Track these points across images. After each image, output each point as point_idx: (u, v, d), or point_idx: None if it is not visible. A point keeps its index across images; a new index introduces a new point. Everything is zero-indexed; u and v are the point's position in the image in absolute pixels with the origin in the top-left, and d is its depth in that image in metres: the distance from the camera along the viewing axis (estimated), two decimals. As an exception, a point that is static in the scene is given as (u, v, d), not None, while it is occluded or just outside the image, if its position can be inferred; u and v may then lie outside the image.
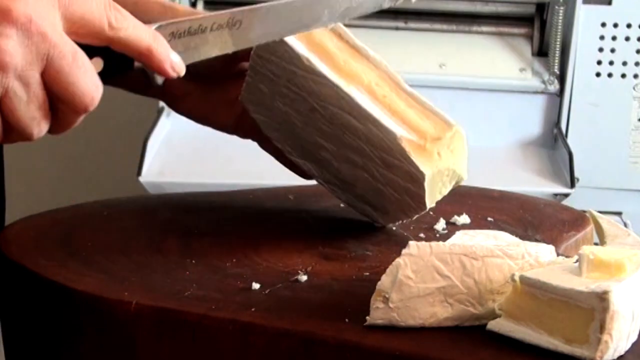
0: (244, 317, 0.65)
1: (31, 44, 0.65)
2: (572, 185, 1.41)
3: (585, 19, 1.50)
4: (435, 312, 0.64)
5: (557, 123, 1.53)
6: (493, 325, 0.63)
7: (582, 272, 0.61)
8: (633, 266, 0.61)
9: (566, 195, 1.40)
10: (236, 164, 1.36)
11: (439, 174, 0.76)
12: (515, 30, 1.58)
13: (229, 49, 0.74)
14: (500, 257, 0.64)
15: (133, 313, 0.66)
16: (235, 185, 1.07)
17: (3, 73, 0.64)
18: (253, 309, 0.66)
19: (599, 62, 1.52)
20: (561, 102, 1.52)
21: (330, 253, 0.76)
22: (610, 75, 1.53)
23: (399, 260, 0.63)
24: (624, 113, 1.53)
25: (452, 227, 0.82)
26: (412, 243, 0.63)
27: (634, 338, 0.61)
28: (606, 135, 1.53)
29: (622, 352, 0.60)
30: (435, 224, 0.82)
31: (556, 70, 1.52)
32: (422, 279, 0.63)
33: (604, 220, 0.75)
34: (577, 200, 1.34)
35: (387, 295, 0.63)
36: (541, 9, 1.56)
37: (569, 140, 1.50)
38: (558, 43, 1.51)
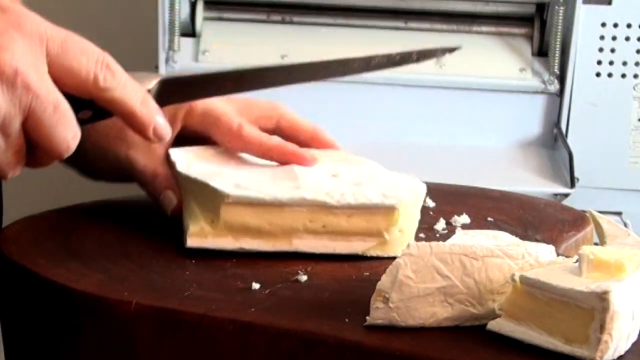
0: (244, 317, 0.65)
1: (14, 97, 0.65)
2: (572, 185, 1.41)
3: (585, 19, 1.50)
4: (435, 312, 0.64)
5: (557, 123, 1.53)
6: (493, 325, 0.63)
7: (582, 272, 0.61)
8: (633, 266, 0.61)
9: (566, 195, 1.40)
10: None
11: (410, 231, 0.77)
12: (515, 30, 1.58)
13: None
14: (500, 257, 0.64)
15: (133, 313, 0.66)
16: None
17: None
18: (253, 309, 0.66)
19: (599, 62, 1.52)
20: (561, 102, 1.52)
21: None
22: (610, 75, 1.52)
23: (399, 260, 0.63)
24: (624, 113, 1.53)
25: (452, 227, 0.82)
26: (412, 243, 0.63)
27: (634, 338, 0.61)
28: (606, 135, 1.53)
29: (622, 352, 0.60)
30: (435, 224, 0.82)
31: (556, 70, 1.52)
32: (422, 279, 0.63)
33: (604, 220, 0.75)
34: (577, 200, 1.34)
35: (387, 295, 0.63)
36: (541, 9, 1.56)
37: (569, 140, 1.50)
38: (558, 43, 1.51)
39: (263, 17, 1.59)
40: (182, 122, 0.82)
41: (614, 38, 1.52)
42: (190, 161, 0.80)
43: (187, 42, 1.54)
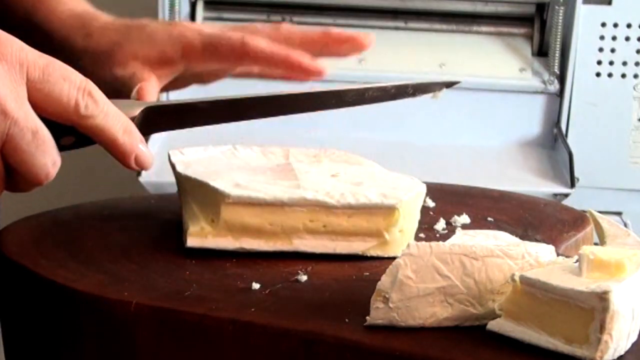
0: (244, 317, 0.65)
1: None
2: (572, 185, 1.41)
3: (585, 19, 1.50)
4: (435, 312, 0.64)
5: (557, 123, 1.53)
6: (493, 325, 0.63)
7: (582, 272, 0.61)
8: (633, 266, 0.61)
9: (566, 195, 1.40)
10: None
11: (410, 231, 0.77)
12: (515, 30, 1.58)
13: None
14: (500, 257, 0.64)
15: (133, 313, 0.66)
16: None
17: None
18: (253, 309, 0.66)
19: (599, 62, 1.52)
20: (561, 102, 1.52)
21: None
22: (610, 75, 1.52)
23: (399, 260, 0.63)
24: (624, 113, 1.53)
25: (452, 227, 0.82)
26: (412, 243, 0.63)
27: (634, 338, 0.61)
28: (606, 135, 1.53)
29: (622, 352, 0.60)
30: (435, 224, 0.82)
31: (556, 70, 1.52)
32: (422, 279, 0.63)
33: (604, 220, 0.75)
34: (577, 200, 1.34)
35: (387, 295, 0.63)
36: (541, 9, 1.56)
37: (569, 140, 1.50)
38: (558, 43, 1.51)
39: (263, 17, 1.59)
40: (184, 64, 0.82)
41: (614, 38, 1.52)
42: (190, 161, 0.81)
43: (187, 42, 1.54)
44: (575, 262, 0.63)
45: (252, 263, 0.74)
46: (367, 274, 0.72)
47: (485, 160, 1.51)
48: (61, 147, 0.69)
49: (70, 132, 0.69)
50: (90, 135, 0.69)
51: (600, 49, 1.52)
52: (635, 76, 1.52)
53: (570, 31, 1.50)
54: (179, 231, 0.78)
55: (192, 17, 1.57)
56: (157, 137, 1.44)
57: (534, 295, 0.61)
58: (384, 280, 0.63)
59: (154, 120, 0.74)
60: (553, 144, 1.54)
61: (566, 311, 0.60)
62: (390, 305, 0.63)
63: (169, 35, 0.83)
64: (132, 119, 0.72)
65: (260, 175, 0.79)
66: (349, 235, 0.75)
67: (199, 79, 0.91)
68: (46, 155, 0.67)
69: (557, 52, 1.51)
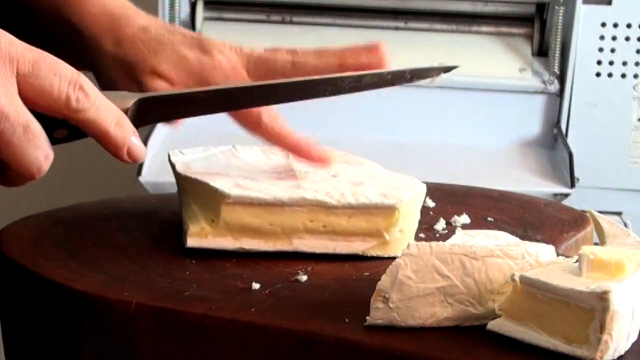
0: (244, 317, 0.65)
1: None
2: (572, 185, 1.41)
3: (585, 19, 1.50)
4: (435, 312, 0.64)
5: (557, 123, 1.53)
6: (493, 325, 0.63)
7: (582, 272, 0.61)
8: (633, 266, 0.61)
9: (566, 195, 1.40)
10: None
11: (410, 231, 0.77)
12: (515, 30, 1.59)
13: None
14: (500, 257, 0.64)
15: (133, 313, 0.66)
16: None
17: None
18: (253, 309, 0.66)
19: (599, 62, 1.52)
20: (561, 102, 1.52)
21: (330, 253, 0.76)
22: (610, 75, 1.53)
23: (399, 260, 0.63)
24: (624, 113, 1.53)
25: (452, 227, 0.82)
26: (412, 243, 0.63)
27: (634, 338, 0.61)
28: (606, 135, 1.53)
29: (622, 352, 0.60)
30: (435, 224, 0.82)
31: (556, 70, 1.52)
32: (422, 279, 0.63)
33: (604, 220, 0.75)
34: (577, 200, 1.34)
35: (387, 295, 0.63)
36: (541, 9, 1.56)
37: (569, 140, 1.50)
38: (558, 43, 1.51)
39: (263, 17, 1.59)
40: None
41: (614, 38, 1.52)
42: (190, 162, 0.81)
43: (187, 42, 1.53)
44: (575, 262, 0.63)
45: (252, 263, 0.74)
46: (367, 274, 0.72)
47: (485, 160, 1.51)
48: (55, 140, 0.69)
49: (64, 125, 0.69)
50: (82, 128, 0.69)
51: (600, 49, 1.52)
52: (635, 76, 1.52)
53: (570, 31, 1.50)
54: (179, 231, 0.78)
55: (192, 17, 1.57)
56: (157, 137, 1.44)
57: (534, 295, 0.61)
58: (384, 280, 0.63)
59: (148, 111, 0.73)
60: (553, 144, 1.54)
61: (566, 311, 0.60)
62: (390, 305, 0.63)
63: (200, 68, 0.82)
64: (126, 110, 0.71)
65: (260, 175, 0.79)
66: (349, 235, 0.75)
67: None
68: (38, 150, 0.67)
69: (557, 52, 1.51)
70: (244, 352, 0.64)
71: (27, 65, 0.66)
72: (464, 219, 0.83)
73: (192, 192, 0.77)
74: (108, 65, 0.82)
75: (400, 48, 1.58)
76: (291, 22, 1.58)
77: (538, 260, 0.65)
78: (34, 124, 0.67)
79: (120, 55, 0.82)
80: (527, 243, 0.67)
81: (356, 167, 0.83)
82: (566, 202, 1.34)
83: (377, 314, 0.63)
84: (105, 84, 0.84)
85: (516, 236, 0.71)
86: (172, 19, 1.51)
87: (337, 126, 1.52)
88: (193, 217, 0.75)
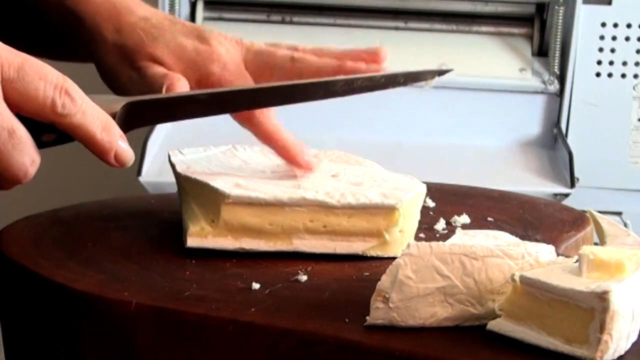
0: (244, 317, 0.65)
1: None
2: (572, 185, 1.41)
3: (585, 19, 1.50)
4: (435, 312, 0.64)
5: (557, 123, 1.53)
6: (493, 325, 0.63)
7: (582, 272, 0.61)
8: (633, 266, 0.61)
9: (566, 195, 1.40)
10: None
11: (410, 231, 0.77)
12: (515, 30, 1.59)
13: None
14: (500, 257, 0.64)
15: (133, 313, 0.66)
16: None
17: None
18: (253, 309, 0.66)
19: (599, 62, 1.52)
20: (561, 102, 1.53)
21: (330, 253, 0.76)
22: (610, 75, 1.53)
23: (399, 260, 0.63)
24: (624, 113, 1.53)
25: (452, 227, 0.82)
26: (412, 243, 0.63)
27: (634, 338, 0.61)
28: (606, 135, 1.53)
29: (622, 352, 0.60)
30: (435, 224, 0.82)
31: (556, 70, 1.52)
32: (422, 279, 0.63)
33: (604, 220, 0.75)
34: (577, 200, 1.34)
35: (387, 295, 0.63)
36: (541, 9, 1.56)
37: (569, 140, 1.50)
38: (558, 43, 1.51)
39: (263, 17, 1.59)
40: (196, 88, 0.82)
41: (614, 38, 1.52)
42: (190, 162, 0.81)
43: (187, 42, 1.54)
44: (575, 262, 0.63)
45: (252, 263, 0.74)
46: (367, 274, 0.72)
47: (485, 160, 1.51)
48: (43, 144, 0.69)
49: (52, 129, 0.69)
50: (69, 132, 0.69)
51: (600, 49, 1.52)
52: (635, 76, 1.52)
53: (570, 31, 1.50)
54: (179, 231, 0.78)
55: (192, 17, 1.57)
56: (157, 137, 1.44)
57: (534, 295, 0.61)
58: (384, 280, 0.63)
59: (137, 114, 0.73)
60: (553, 144, 1.54)
61: (566, 311, 0.60)
62: (390, 305, 0.63)
63: (197, 56, 0.82)
64: (114, 114, 0.71)
65: (260, 175, 0.79)
66: (349, 235, 0.75)
67: None
68: (24, 155, 0.67)
69: (557, 52, 1.51)
70: (244, 352, 0.64)
71: (12, 70, 0.65)
72: (464, 219, 0.83)
73: (192, 192, 0.77)
74: (108, 53, 0.82)
75: (400, 48, 1.58)
76: (291, 22, 1.58)
77: (538, 260, 0.65)
78: (20, 129, 0.66)
79: (119, 42, 0.82)
80: (527, 243, 0.67)
81: (356, 167, 0.83)
82: (566, 202, 1.34)
83: (377, 314, 0.63)
84: (105, 73, 0.84)
85: (516, 236, 0.71)
86: (172, 19, 1.51)
87: (338, 126, 1.52)
88: (193, 217, 0.75)
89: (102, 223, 0.81)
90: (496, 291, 0.64)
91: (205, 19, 1.57)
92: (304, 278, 0.71)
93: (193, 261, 0.74)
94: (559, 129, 1.52)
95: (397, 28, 1.59)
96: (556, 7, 1.50)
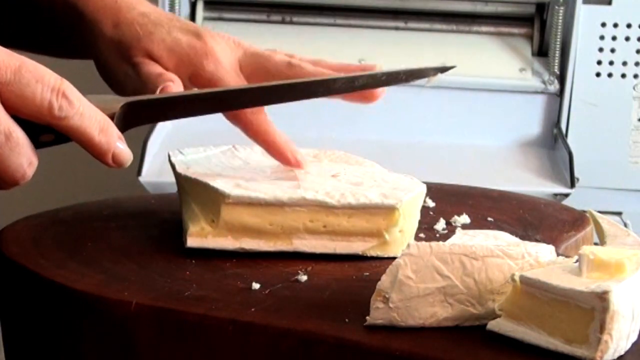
0: (244, 317, 0.65)
1: None
2: (572, 185, 1.41)
3: (585, 19, 1.50)
4: (435, 312, 0.64)
5: (557, 123, 1.53)
6: (493, 325, 0.63)
7: (582, 272, 0.61)
8: (633, 266, 0.61)
9: (566, 195, 1.40)
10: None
11: (410, 231, 0.77)
12: (515, 30, 1.59)
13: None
14: (500, 257, 0.64)
15: (133, 313, 0.66)
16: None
17: None
18: (253, 309, 0.66)
19: (599, 62, 1.52)
20: (561, 102, 1.53)
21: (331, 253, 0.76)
22: (610, 75, 1.53)
23: (399, 260, 0.63)
24: (624, 113, 1.53)
25: (452, 227, 0.82)
26: (412, 243, 0.63)
27: (634, 338, 0.61)
28: (606, 135, 1.53)
29: (622, 352, 0.60)
30: (435, 224, 0.82)
31: (556, 70, 1.52)
32: (422, 279, 0.63)
33: (604, 220, 0.75)
34: (577, 200, 1.34)
35: (387, 295, 0.63)
36: (541, 9, 1.56)
37: (569, 140, 1.50)
38: (558, 43, 1.51)
39: (263, 17, 1.59)
40: (189, 86, 0.81)
41: (614, 38, 1.52)
42: (190, 161, 0.81)
43: (187, 42, 1.54)
44: (575, 262, 0.63)
45: (252, 263, 0.74)
46: (367, 274, 0.72)
47: (485, 160, 1.51)
48: (42, 144, 0.69)
49: (50, 130, 0.69)
50: (66, 134, 0.69)
51: (600, 49, 1.52)
52: (635, 76, 1.52)
53: (570, 31, 1.50)
54: (179, 231, 0.78)
55: (192, 17, 1.57)
56: (157, 137, 1.44)
57: (534, 295, 0.61)
58: (384, 280, 0.63)
59: (135, 114, 0.73)
60: (553, 144, 1.54)
61: (566, 311, 0.60)
62: (390, 305, 0.63)
63: (192, 52, 0.82)
64: (112, 115, 0.71)
65: (260, 175, 0.79)
66: (349, 235, 0.75)
67: None
68: (21, 157, 0.67)
69: (557, 52, 1.51)
70: (244, 352, 0.64)
71: (9, 73, 0.65)
72: (464, 219, 0.83)
73: (192, 192, 0.77)
74: (106, 49, 0.82)
75: (400, 48, 1.58)
76: (291, 22, 1.58)
77: (538, 260, 0.65)
78: (17, 132, 0.66)
79: (117, 38, 0.82)
80: (527, 243, 0.67)
81: (356, 167, 0.83)
82: (566, 202, 1.34)
83: (377, 314, 0.63)
84: (102, 69, 0.84)
85: (516, 236, 0.71)
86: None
87: (338, 126, 1.52)
88: (193, 217, 0.75)
89: (102, 223, 0.81)
90: (496, 291, 0.64)
91: (205, 19, 1.57)
92: (304, 278, 0.71)
93: (193, 261, 0.74)
94: (559, 129, 1.52)
95: (397, 28, 1.59)
96: (556, 7, 1.50)
